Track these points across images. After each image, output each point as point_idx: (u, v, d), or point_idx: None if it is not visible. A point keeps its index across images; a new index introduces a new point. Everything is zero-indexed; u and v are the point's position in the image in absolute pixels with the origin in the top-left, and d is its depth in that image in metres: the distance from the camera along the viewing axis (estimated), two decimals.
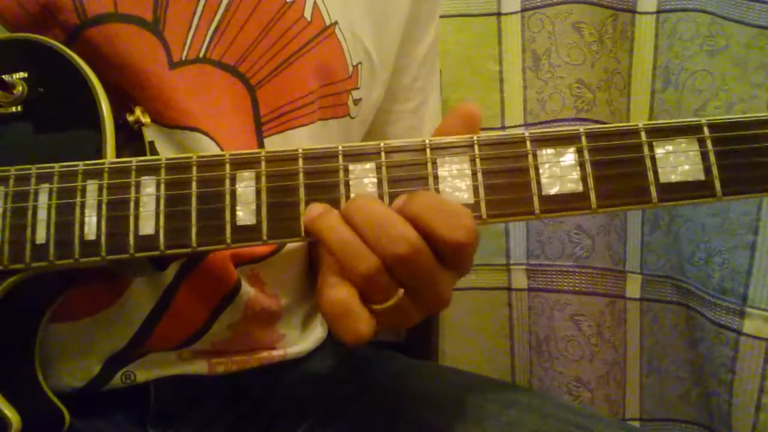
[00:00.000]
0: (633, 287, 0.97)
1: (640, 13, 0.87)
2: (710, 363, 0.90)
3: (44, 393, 0.50)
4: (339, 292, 0.42)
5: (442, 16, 0.87)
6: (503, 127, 0.97)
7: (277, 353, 0.63)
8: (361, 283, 0.42)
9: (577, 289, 0.99)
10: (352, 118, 0.63)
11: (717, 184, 0.44)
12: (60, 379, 0.54)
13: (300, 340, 0.66)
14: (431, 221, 0.41)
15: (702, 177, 0.44)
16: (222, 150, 0.53)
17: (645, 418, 1.01)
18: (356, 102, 0.63)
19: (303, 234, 0.44)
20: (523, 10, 0.92)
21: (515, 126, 0.96)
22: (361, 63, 0.62)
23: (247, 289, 0.57)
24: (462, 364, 1.00)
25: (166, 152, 0.52)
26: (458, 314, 1.02)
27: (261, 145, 0.56)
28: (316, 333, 0.69)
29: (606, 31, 0.90)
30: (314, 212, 0.43)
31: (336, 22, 0.59)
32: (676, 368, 0.96)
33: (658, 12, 0.86)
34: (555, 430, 0.56)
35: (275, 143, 0.57)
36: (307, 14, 0.58)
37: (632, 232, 0.95)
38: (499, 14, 0.92)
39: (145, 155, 0.49)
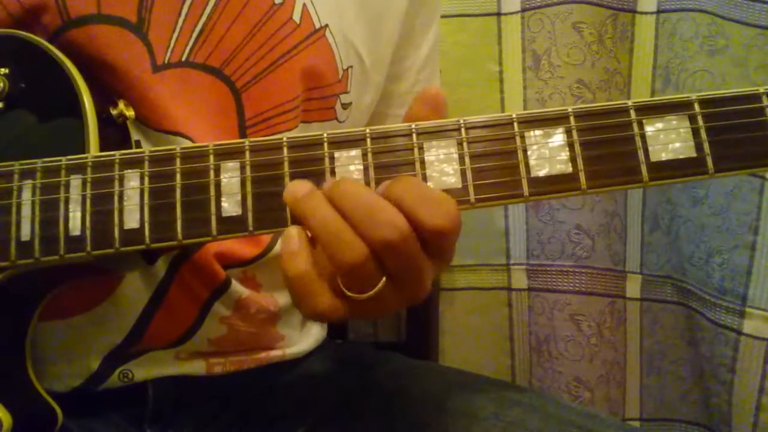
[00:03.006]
0: (633, 287, 0.97)
1: (640, 13, 0.87)
2: (710, 363, 0.90)
3: (36, 392, 0.50)
4: (299, 267, 0.40)
5: (442, 16, 0.87)
6: None
7: (275, 353, 0.63)
8: (345, 273, 0.40)
9: (577, 289, 0.99)
10: (340, 122, 0.62)
11: (709, 160, 0.43)
12: (57, 377, 0.54)
13: (299, 341, 0.66)
14: (414, 207, 0.40)
15: (693, 154, 0.43)
16: None
17: (645, 418, 1.01)
18: (345, 106, 0.62)
19: (290, 224, 0.42)
20: (523, 10, 0.92)
21: None
22: (352, 67, 0.61)
23: (240, 289, 0.57)
24: (462, 364, 1.00)
25: None
26: (458, 314, 1.02)
27: None
28: (315, 333, 0.69)
29: (606, 31, 0.90)
30: (299, 192, 0.41)
31: (326, 25, 0.58)
32: (676, 368, 0.96)
33: (658, 12, 0.86)
34: (556, 430, 0.56)
35: None
36: (296, 17, 0.57)
37: (632, 232, 0.95)
38: (499, 14, 0.92)
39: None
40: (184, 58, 0.53)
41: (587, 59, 0.91)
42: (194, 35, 0.54)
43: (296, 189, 0.41)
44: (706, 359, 0.90)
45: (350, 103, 0.62)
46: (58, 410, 0.50)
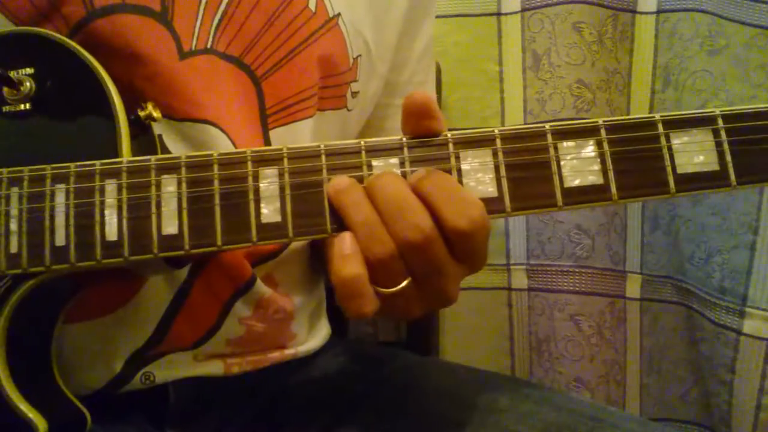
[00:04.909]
0: (633, 287, 0.97)
1: (640, 13, 0.87)
2: (710, 363, 0.90)
3: (65, 396, 0.49)
4: (352, 270, 0.42)
5: (441, 16, 0.87)
6: None
7: (288, 352, 0.63)
8: (373, 265, 0.42)
9: (577, 289, 0.99)
10: (349, 110, 0.62)
11: (731, 173, 0.44)
12: (79, 380, 0.54)
13: (309, 339, 0.66)
14: (440, 204, 0.42)
15: (717, 167, 0.44)
16: (233, 143, 0.53)
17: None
18: (354, 95, 0.62)
19: (329, 230, 0.44)
20: (523, 10, 0.92)
21: None
22: (360, 56, 0.62)
23: (263, 289, 0.57)
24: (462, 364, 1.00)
25: (174, 146, 0.51)
26: (459, 314, 1.02)
27: (266, 137, 0.56)
28: (323, 330, 0.69)
29: (606, 31, 0.90)
30: (340, 185, 0.44)
31: (339, 14, 0.59)
32: (676, 368, 0.97)
33: (658, 12, 0.86)
34: (569, 421, 0.56)
35: (280, 135, 0.56)
36: (312, 5, 0.57)
37: (632, 232, 0.95)
38: (499, 14, 0.92)
39: (155, 149, 0.49)
40: (208, 46, 0.53)
41: (587, 59, 0.91)
42: (215, 23, 0.53)
43: (338, 183, 0.44)
44: (706, 359, 0.90)
45: (358, 92, 0.63)
46: (87, 414, 0.50)
